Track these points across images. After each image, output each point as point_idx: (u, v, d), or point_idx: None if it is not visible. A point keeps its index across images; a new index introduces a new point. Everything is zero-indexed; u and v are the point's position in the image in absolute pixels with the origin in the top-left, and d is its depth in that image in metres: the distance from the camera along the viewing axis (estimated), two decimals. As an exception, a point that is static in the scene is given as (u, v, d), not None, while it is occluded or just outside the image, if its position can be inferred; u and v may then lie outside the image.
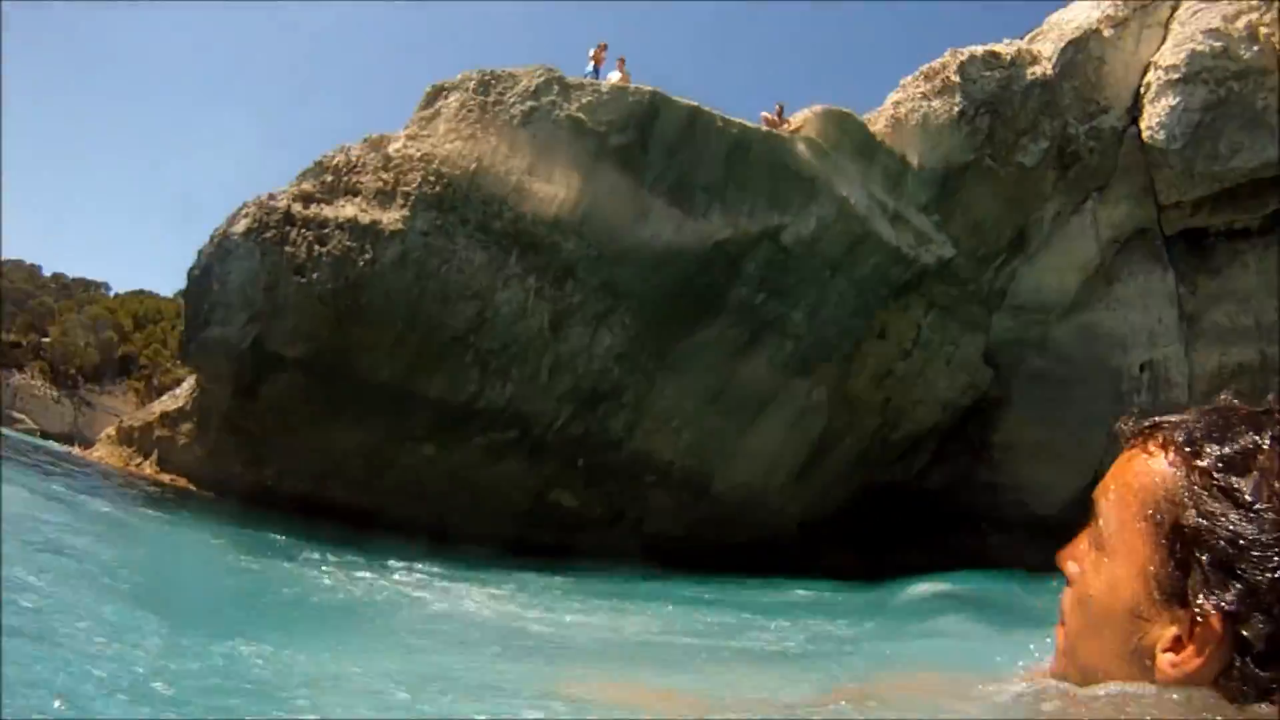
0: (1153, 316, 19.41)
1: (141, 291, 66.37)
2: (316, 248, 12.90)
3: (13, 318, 57.07)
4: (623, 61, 16.22)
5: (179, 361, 50.23)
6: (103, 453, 17.78)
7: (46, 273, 70.58)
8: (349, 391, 13.44)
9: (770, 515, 18.11)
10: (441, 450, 14.38)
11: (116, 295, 65.68)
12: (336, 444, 14.03)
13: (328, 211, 13.24)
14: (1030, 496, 19.31)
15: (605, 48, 16.43)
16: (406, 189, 13.36)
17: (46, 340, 53.65)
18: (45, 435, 43.35)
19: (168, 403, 17.24)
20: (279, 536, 11.52)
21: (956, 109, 17.48)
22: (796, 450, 17.75)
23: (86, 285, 69.93)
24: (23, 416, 48.24)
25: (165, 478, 15.46)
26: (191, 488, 15.00)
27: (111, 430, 18.76)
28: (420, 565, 10.79)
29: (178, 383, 43.74)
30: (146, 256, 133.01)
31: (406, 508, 14.61)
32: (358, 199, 13.47)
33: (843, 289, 16.76)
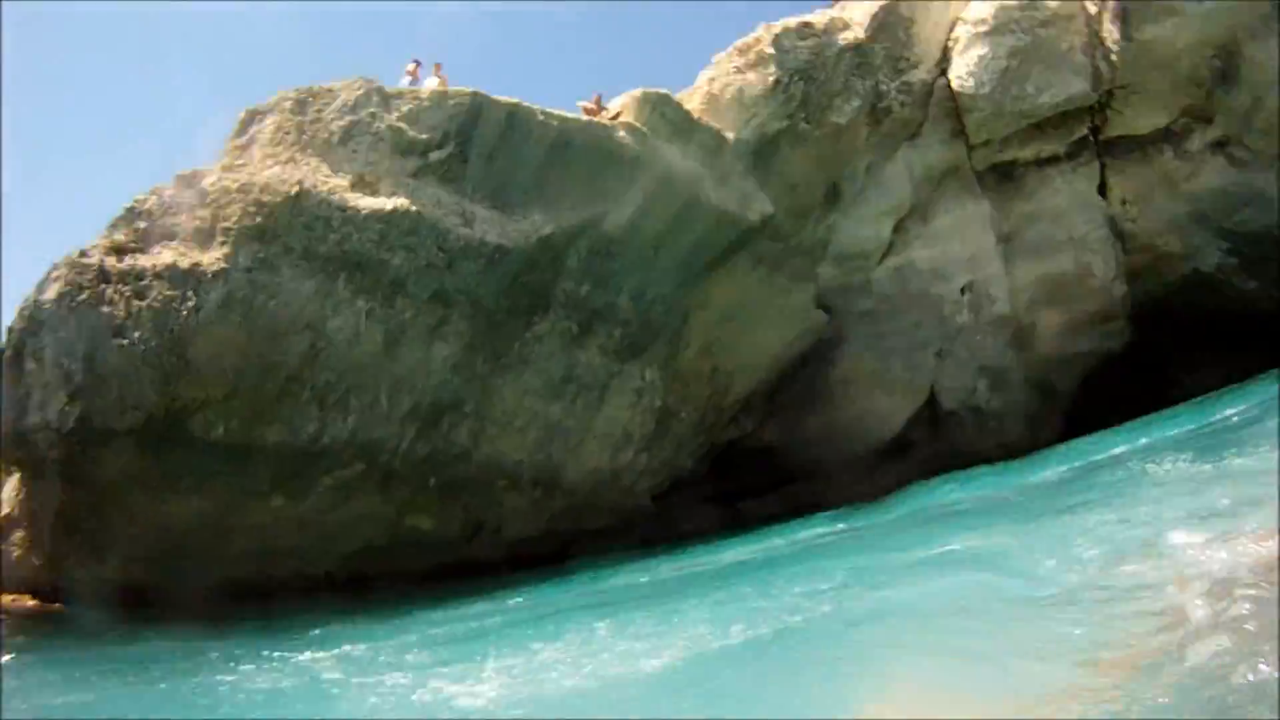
0: (970, 244, 20.39)
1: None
2: (135, 303, 12.02)
3: None
4: (439, 67, 15.86)
5: None
6: None
7: None
8: (183, 458, 12.63)
9: (623, 494, 18.45)
10: (290, 501, 13.83)
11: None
12: (177, 518, 13.16)
13: (144, 261, 12.36)
14: (872, 424, 20.45)
15: (419, 64, 16.04)
16: (226, 224, 12.63)
17: None
18: None
19: None
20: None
21: (771, 79, 17.94)
22: (638, 429, 17.98)
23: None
24: None
25: (7, 599, 14.19)
26: (33, 603, 14.02)
27: None
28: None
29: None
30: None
31: (260, 568, 14.21)
32: (175, 242, 12.68)
33: (667, 265, 16.99)
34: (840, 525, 15.71)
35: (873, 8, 19.61)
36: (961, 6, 20.40)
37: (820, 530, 15.70)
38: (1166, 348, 21.18)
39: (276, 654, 9.73)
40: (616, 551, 17.15)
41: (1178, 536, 6.71)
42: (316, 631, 11.38)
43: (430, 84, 15.45)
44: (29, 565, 14.14)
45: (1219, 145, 19.19)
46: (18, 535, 14.40)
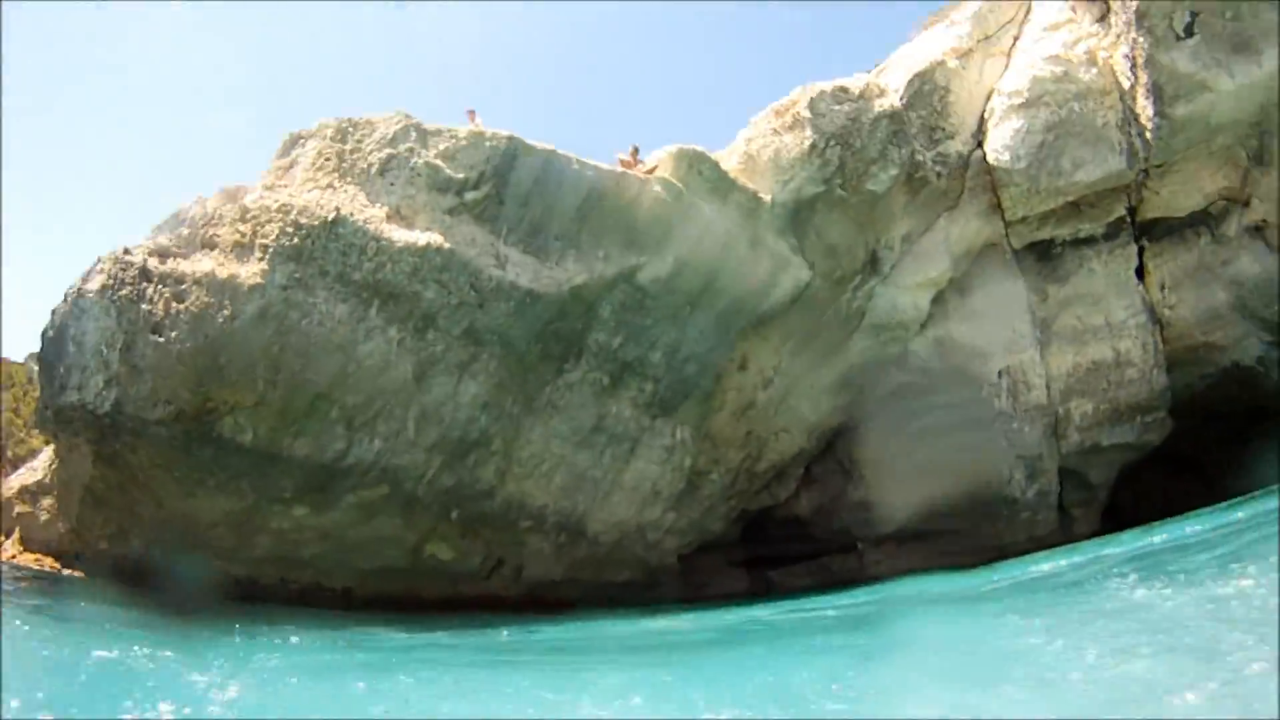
0: (1007, 325, 20.14)
1: (-11, 356, 63.00)
2: (174, 304, 12.40)
3: None
4: (473, 114, 16.07)
5: (33, 431, 47.98)
6: None
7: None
8: (213, 456, 12.92)
9: (648, 550, 18.28)
10: (313, 511, 13.97)
11: (-38, 361, 62.17)
12: (203, 512, 13.51)
13: (184, 266, 12.77)
14: (899, 509, 19.98)
15: (473, 112, 16.24)
16: (264, 241, 12.99)
17: (-120, 420, 50.36)
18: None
19: (25, 476, 16.44)
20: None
21: (807, 143, 17.96)
22: (667, 486, 17.87)
23: (-76, 357, 66.08)
24: None
25: (31, 558, 14.91)
26: (57, 567, 14.50)
27: None
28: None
29: (33, 454, 41.91)
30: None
31: (281, 573, 14.56)
32: (215, 252, 13.05)
33: (702, 325, 16.99)
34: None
35: (908, 74, 19.77)
36: (996, 76, 20.61)
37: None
38: (1208, 443, 20.80)
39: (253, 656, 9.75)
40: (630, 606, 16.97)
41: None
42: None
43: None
44: (55, 531, 14.89)
45: (1257, 230, 19.04)
46: (47, 501, 15.22)
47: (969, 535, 19.94)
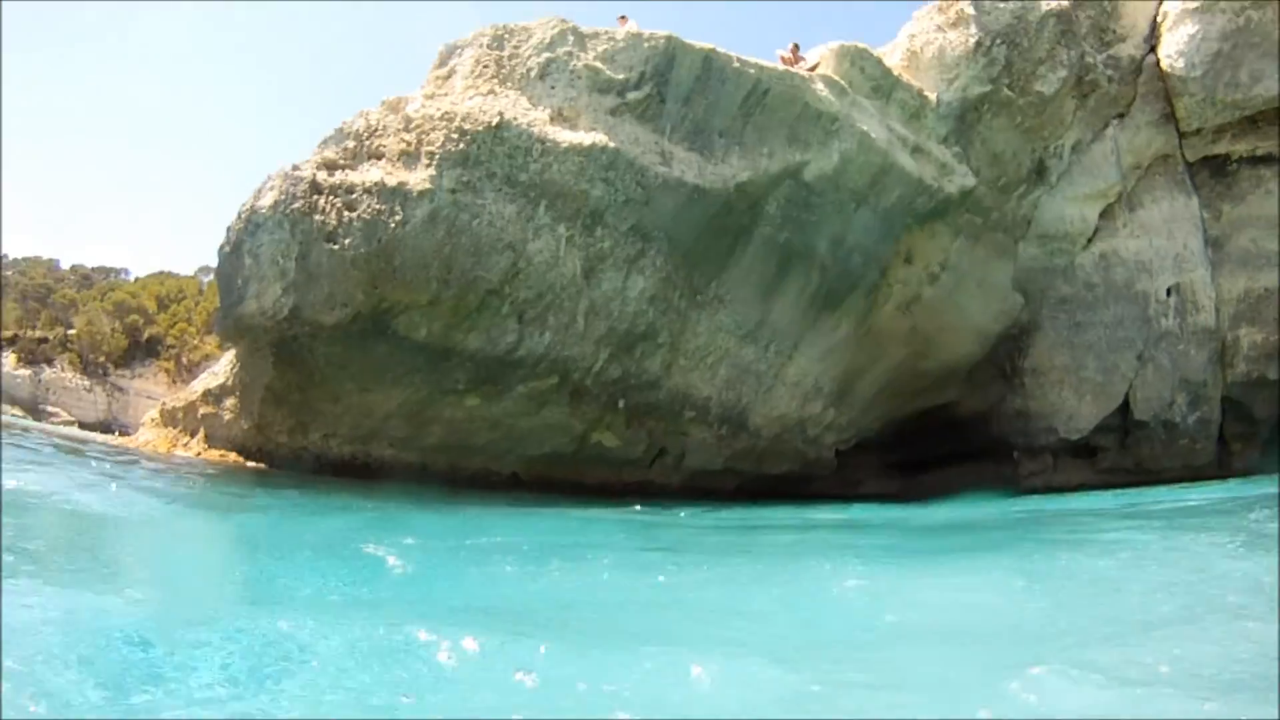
0: (1178, 242, 19.43)
1: (161, 273, 67.05)
2: (346, 213, 12.69)
3: (36, 314, 57.70)
4: (624, 19, 15.88)
5: (205, 338, 51.08)
6: (149, 436, 18.06)
7: (64, 265, 71.24)
8: (388, 352, 13.36)
9: (807, 445, 18.46)
10: (484, 402, 14.39)
11: (137, 279, 66.34)
12: (379, 405, 14.06)
13: (353, 177, 13.02)
14: (1060, 422, 19.62)
15: (625, 18, 16.10)
16: (430, 148, 13.20)
17: (72, 332, 54.28)
18: (82, 426, 43.94)
19: (208, 380, 17.25)
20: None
21: (973, 40, 17.50)
22: (830, 382, 17.92)
23: (106, 272, 70.54)
24: (58, 410, 48.91)
25: (215, 453, 15.66)
26: (241, 460, 15.24)
27: (154, 413, 18.97)
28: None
29: (206, 359, 44.40)
30: (163, 238, 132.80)
31: (452, 460, 15.10)
32: (381, 162, 13.30)
33: (867, 220, 16.83)
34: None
35: None
36: None
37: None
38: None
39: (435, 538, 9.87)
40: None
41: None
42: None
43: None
44: (238, 428, 15.45)
45: None
46: (229, 402, 15.82)
47: (1126, 456, 19.45)
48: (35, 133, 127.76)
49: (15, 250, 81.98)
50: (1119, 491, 16.90)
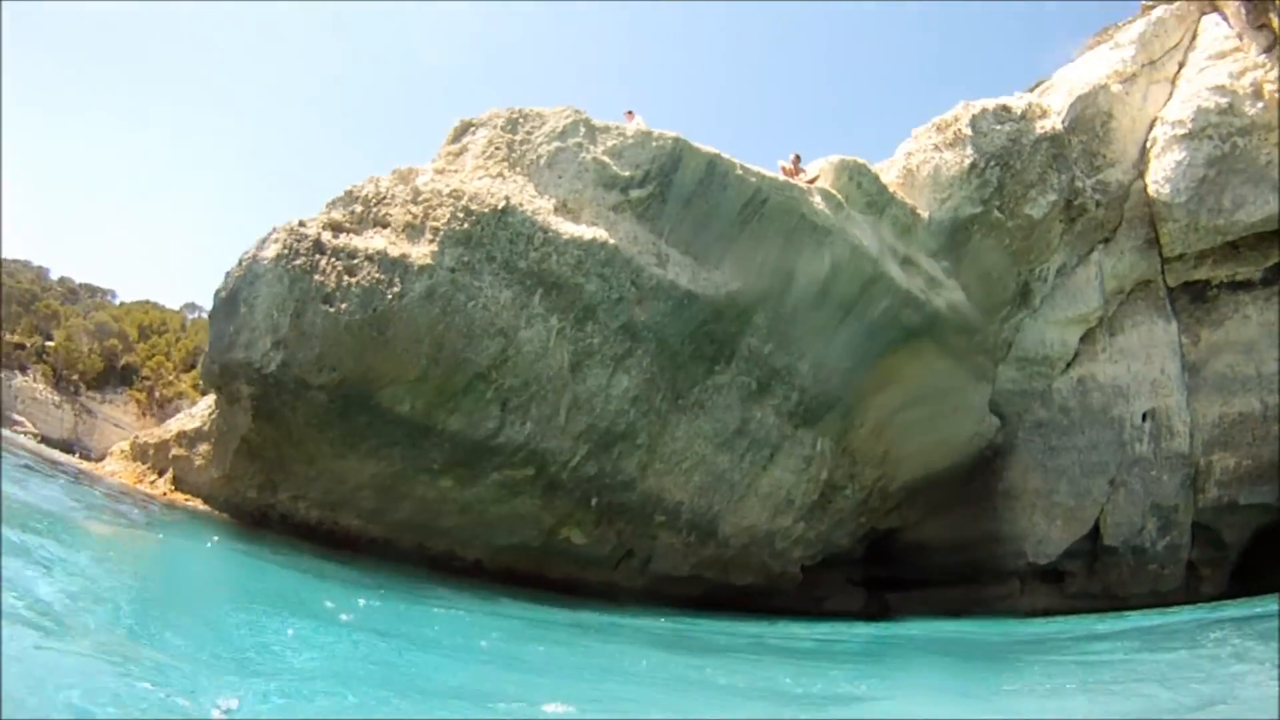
0: (1155, 367, 19.97)
1: (147, 301, 66.78)
2: (346, 278, 12.88)
3: (17, 319, 57.35)
4: (631, 114, 16.32)
5: (180, 375, 50.87)
6: (115, 467, 17.89)
7: (53, 275, 71.00)
8: (368, 423, 13.43)
9: (773, 559, 18.52)
10: (458, 484, 14.45)
11: (122, 304, 66.07)
12: (352, 473, 14.07)
13: (357, 242, 13.26)
14: (1029, 545, 19.95)
15: (631, 114, 16.50)
16: (435, 224, 13.48)
17: (50, 344, 53.90)
18: (44, 440, 43.48)
19: (184, 421, 17.16)
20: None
21: (967, 161, 18.10)
22: (801, 496, 18.08)
23: (93, 291, 70.28)
24: (23, 419, 48.41)
25: (180, 497, 15.57)
26: (206, 508, 15.11)
27: (125, 445, 18.84)
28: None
29: (179, 396, 43.99)
30: (153, 267, 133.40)
31: (418, 539, 15.07)
32: (386, 230, 13.56)
33: (852, 335, 17.16)
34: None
35: (1071, 97, 19.75)
36: (1160, 104, 20.41)
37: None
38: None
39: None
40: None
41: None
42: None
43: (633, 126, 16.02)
44: (208, 476, 15.37)
45: None
46: (203, 448, 15.75)
47: (1093, 581, 19.72)
48: (50, 135, 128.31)
49: (6, 250, 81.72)
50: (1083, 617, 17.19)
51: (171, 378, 50.11)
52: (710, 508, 17.03)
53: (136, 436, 19.22)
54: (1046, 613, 18.93)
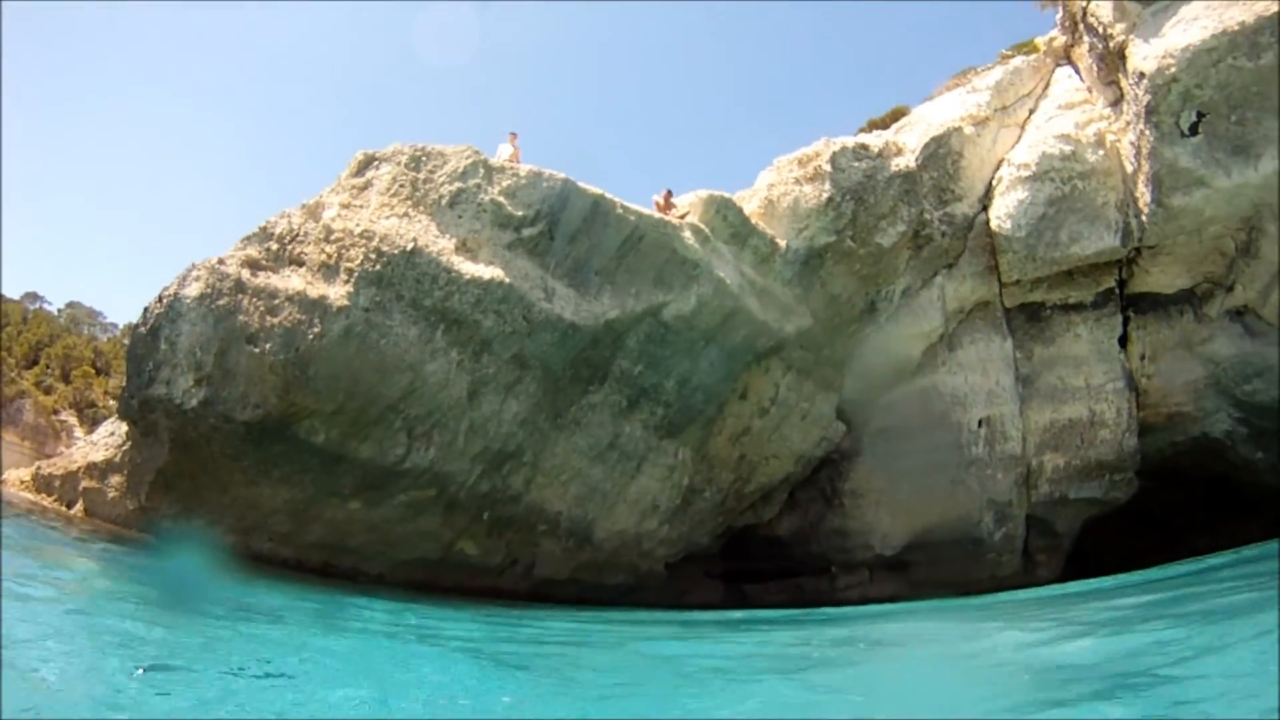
0: (991, 379, 22.86)
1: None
2: (268, 318, 14.42)
3: None
4: (514, 137, 18.65)
5: (23, 372, 49.43)
6: (13, 496, 18.39)
7: None
8: (283, 452, 15.07)
9: (641, 557, 21.03)
10: (365, 506, 16.33)
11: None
12: (266, 499, 15.88)
13: (276, 282, 14.84)
14: (875, 539, 22.82)
15: (514, 136, 18.83)
16: (350, 265, 15.21)
17: None
18: None
19: (89, 451, 18.15)
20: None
21: (825, 195, 20.57)
22: (665, 501, 20.66)
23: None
24: None
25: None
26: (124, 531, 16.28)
27: (24, 475, 19.58)
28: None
29: (21, 395, 43.60)
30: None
31: (326, 558, 16.99)
32: (302, 269, 15.22)
33: (713, 357, 19.61)
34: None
35: (925, 137, 22.50)
36: (1008, 147, 23.37)
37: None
38: (1175, 505, 23.88)
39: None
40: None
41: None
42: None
43: (504, 151, 18.34)
44: (122, 507, 16.72)
45: (1238, 313, 21.48)
46: (115, 479, 17.02)
47: (937, 570, 22.52)
48: None
49: None
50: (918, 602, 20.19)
51: (14, 374, 48.90)
52: (586, 515, 19.43)
53: (39, 467, 19.96)
54: (893, 599, 21.63)
